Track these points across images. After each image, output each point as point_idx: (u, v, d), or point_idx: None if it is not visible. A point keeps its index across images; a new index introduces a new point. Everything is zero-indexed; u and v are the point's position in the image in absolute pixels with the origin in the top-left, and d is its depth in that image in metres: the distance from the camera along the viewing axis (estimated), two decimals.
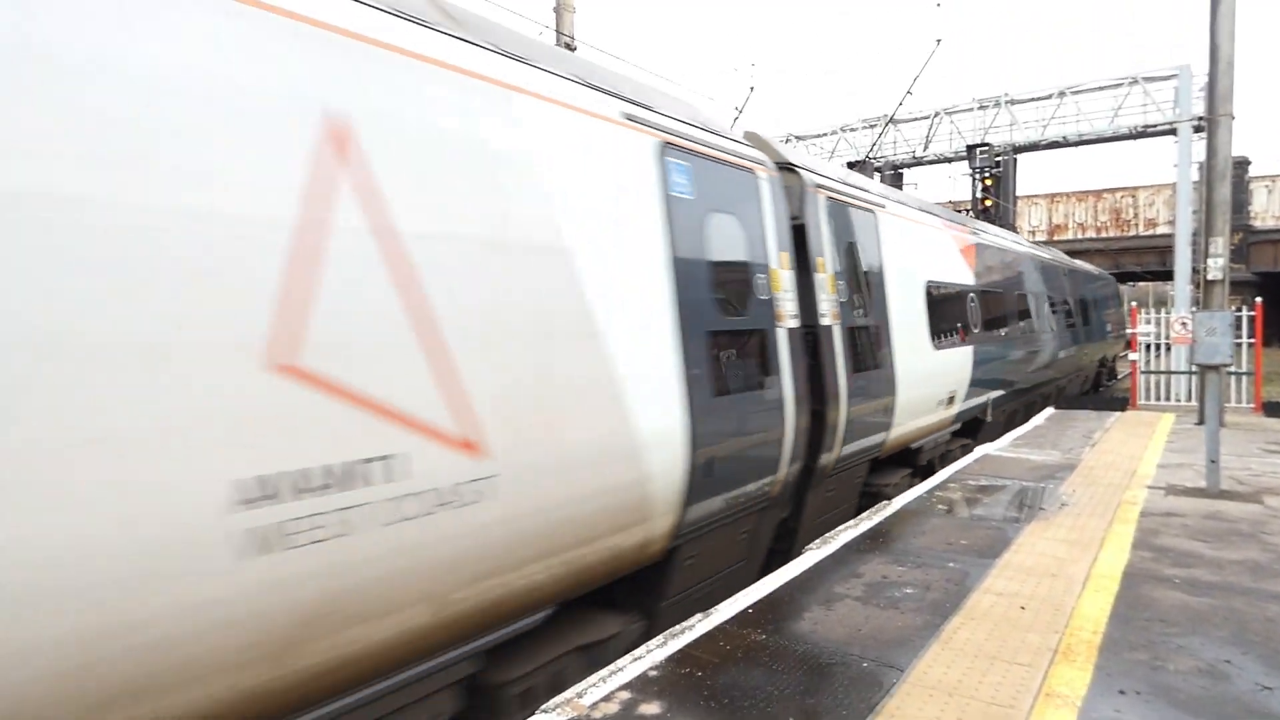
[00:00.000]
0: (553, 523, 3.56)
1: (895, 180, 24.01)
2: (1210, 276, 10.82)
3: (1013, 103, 23.77)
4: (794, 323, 5.71)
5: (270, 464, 2.49)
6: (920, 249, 8.77)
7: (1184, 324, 12.48)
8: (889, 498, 7.11)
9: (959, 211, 14.47)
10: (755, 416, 5.13)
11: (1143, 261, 40.78)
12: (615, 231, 4.11)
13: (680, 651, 3.70)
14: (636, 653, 3.72)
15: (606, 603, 4.44)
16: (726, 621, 4.04)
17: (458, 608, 3.18)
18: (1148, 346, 13.91)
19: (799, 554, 5.23)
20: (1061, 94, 23.15)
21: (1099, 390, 22.18)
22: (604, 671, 3.52)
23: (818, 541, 5.44)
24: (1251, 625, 3.88)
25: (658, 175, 4.50)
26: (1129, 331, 13.92)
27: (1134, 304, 14.89)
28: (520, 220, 3.54)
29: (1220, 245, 10.75)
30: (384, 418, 2.84)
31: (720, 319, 4.88)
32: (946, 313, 9.13)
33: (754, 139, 6.48)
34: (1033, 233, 41.71)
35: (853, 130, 26.27)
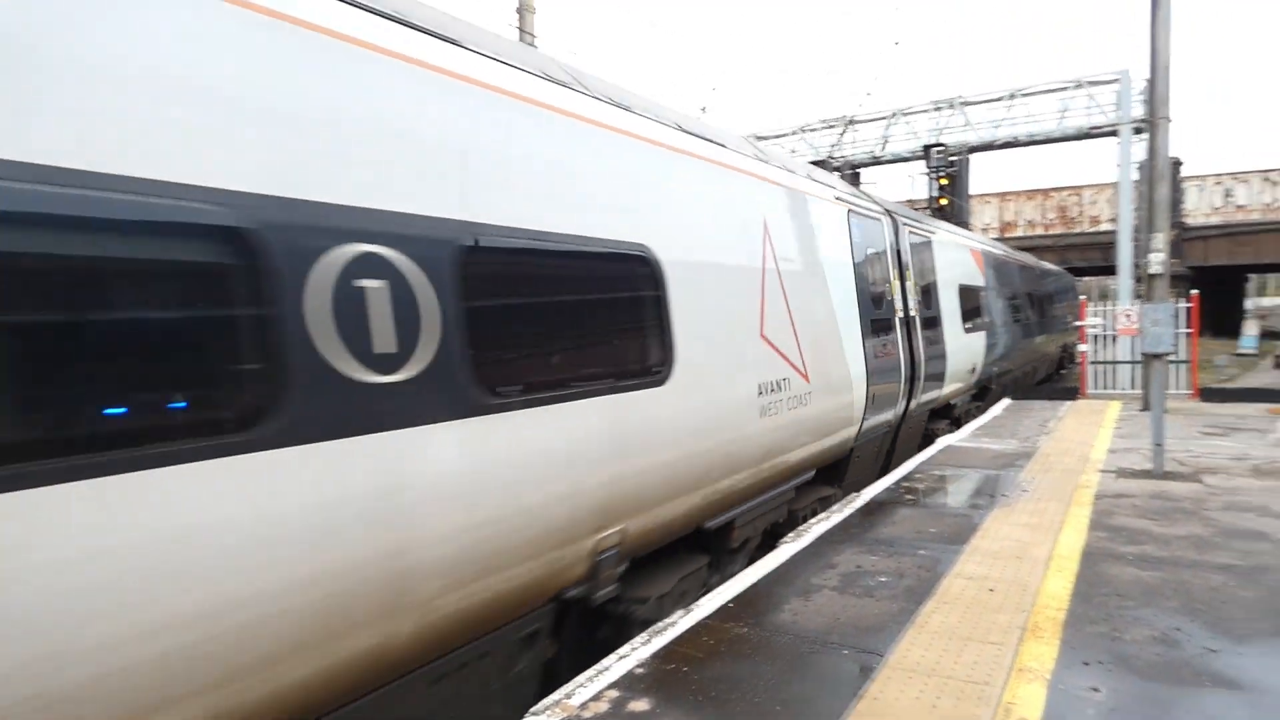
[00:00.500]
0: (828, 417, 6.70)
1: (853, 179, 24.49)
2: (1152, 271, 11.32)
3: (966, 104, 24.44)
4: (902, 314, 8.94)
5: (764, 377, 5.58)
6: (954, 260, 11.75)
7: (1128, 316, 13.03)
8: (938, 436, 10.28)
9: (917, 210, 15.35)
10: (890, 372, 8.23)
11: (1087, 257, 42.22)
12: (838, 261, 7.33)
13: (665, 648, 3.80)
14: (622, 651, 3.80)
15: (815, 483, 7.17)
16: (709, 616, 4.16)
17: (801, 454, 6.34)
18: (1095, 338, 14.45)
19: (893, 468, 8.13)
20: (1012, 96, 23.89)
21: (1062, 371, 23.28)
22: (591, 671, 3.60)
23: (792, 535, 5.61)
24: (1197, 595, 4.14)
25: (848, 228, 7.74)
26: (1078, 324, 14.46)
27: (1082, 298, 15.49)
28: (812, 259, 6.77)
29: (1161, 241, 11.25)
30: (785, 361, 5.94)
31: (875, 312, 8.00)
32: (969, 306, 11.98)
33: (870, 196, 9.74)
34: (985, 230, 42.84)
35: (812, 130, 26.73)
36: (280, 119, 2.70)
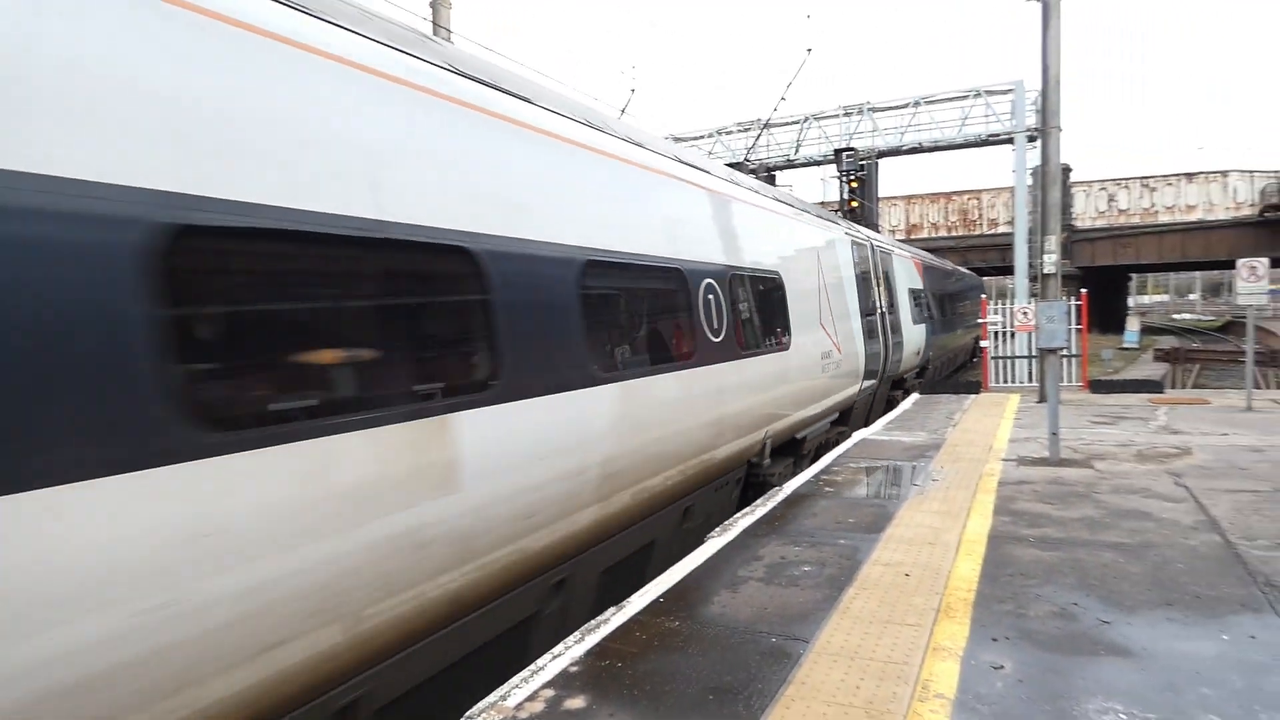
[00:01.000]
0: (846, 378, 10.27)
1: (769, 181, 25.09)
2: (1046, 271, 12.08)
3: (875, 110, 25.40)
4: (878, 311, 12.67)
5: (823, 349, 9.24)
6: (906, 270, 16.13)
7: (1025, 313, 13.85)
8: (900, 400, 13.49)
9: (833, 212, 16.51)
10: (875, 352, 11.89)
11: (987, 258, 44.55)
12: (847, 275, 11.07)
13: (599, 645, 3.83)
14: (555, 650, 3.81)
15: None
16: (640, 612, 4.21)
17: (836, 399, 9.93)
18: (996, 334, 15.29)
19: (873, 421, 11.34)
20: (917, 103, 24.97)
21: (974, 359, 24.89)
22: (525, 672, 3.59)
23: (718, 529, 5.73)
24: (1091, 571, 4.48)
25: (851, 253, 11.58)
26: (980, 321, 15.27)
27: (983, 297, 16.39)
28: (836, 275, 10.51)
29: (1054, 243, 12.03)
30: (830, 340, 9.60)
31: (865, 308, 11.72)
32: (916, 305, 16.39)
33: (856, 226, 13.88)
34: (893, 231, 44.59)
35: (729, 133, 27.22)
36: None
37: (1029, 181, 22.68)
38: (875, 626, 3.87)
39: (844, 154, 23.61)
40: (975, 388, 14.43)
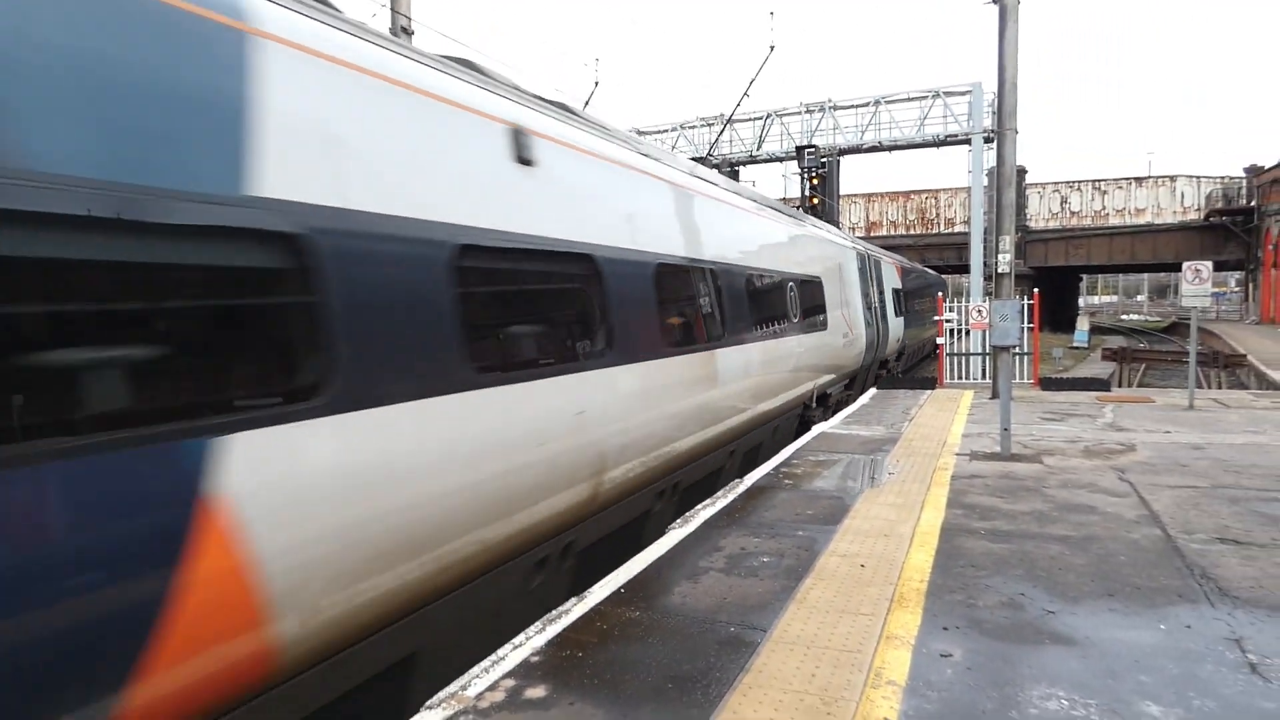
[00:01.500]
0: (855, 352, 14.46)
1: (732, 177, 25.23)
2: (1000, 270, 12.37)
3: (836, 108, 25.71)
4: (871, 305, 16.16)
5: (843, 328, 13.41)
6: (890, 273, 19.85)
7: (980, 311, 14.18)
8: (883, 377, 17.01)
9: (795, 208, 16.97)
10: (871, 336, 15.76)
11: (944, 256, 45.48)
12: (854, 278, 15.17)
13: (560, 635, 3.84)
14: (516, 640, 3.82)
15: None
16: (601, 602, 4.24)
17: (847, 369, 13.87)
18: (951, 331, 15.64)
19: (865, 391, 14.09)
20: (877, 102, 25.33)
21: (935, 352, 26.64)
22: (486, 662, 3.59)
23: (679, 520, 5.78)
24: (1039, 563, 4.63)
25: (855, 260, 15.58)
26: (936, 318, 15.62)
27: (939, 294, 16.77)
28: (850, 277, 14.84)
29: (1008, 243, 12.32)
30: (846, 323, 13.70)
31: (865, 304, 15.74)
32: (896, 301, 19.77)
33: (857, 239, 18.17)
34: (853, 229, 45.19)
35: (692, 128, 27.30)
36: None
37: (985, 182, 23.20)
38: (831, 616, 3.95)
39: (806, 151, 23.86)
40: (931, 383, 14.75)
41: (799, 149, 24.56)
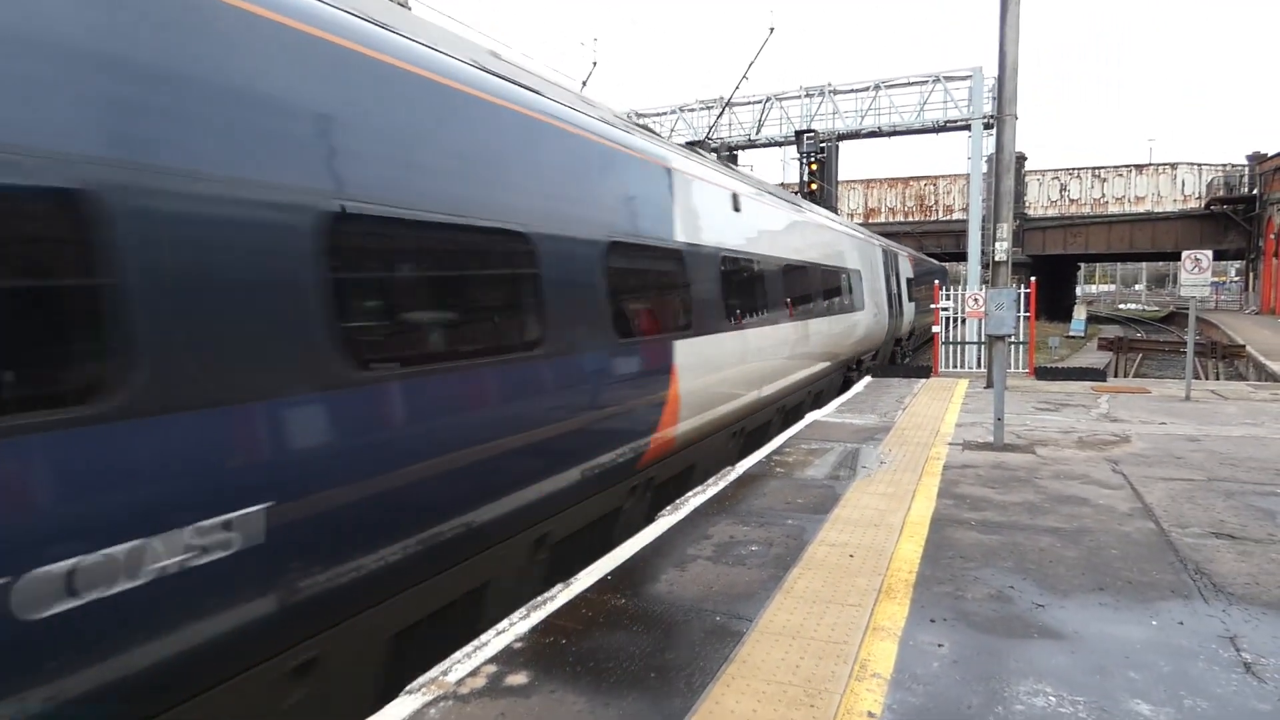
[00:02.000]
0: (882, 330, 18.29)
1: (731, 159, 25.04)
2: (997, 258, 12.29)
3: (835, 93, 25.48)
4: (892, 293, 19.74)
5: (874, 313, 17.02)
6: (905, 265, 22.61)
7: (976, 300, 14.11)
8: (897, 358, 20.77)
9: (794, 193, 17.14)
10: (892, 318, 19.57)
11: (942, 244, 45.33)
12: (880, 270, 18.67)
13: (544, 621, 3.80)
14: (500, 626, 3.77)
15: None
16: (588, 589, 4.19)
17: (876, 341, 17.64)
18: (947, 320, 15.57)
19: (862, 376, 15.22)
20: (877, 87, 25.11)
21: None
22: (468, 648, 3.55)
23: (669, 508, 5.73)
24: (1029, 556, 4.58)
25: (882, 255, 19.33)
26: (933, 306, 15.54)
27: (936, 282, 16.70)
28: (879, 269, 18.54)
29: (1006, 231, 12.23)
30: (874, 307, 17.14)
31: (887, 291, 19.12)
32: (908, 289, 22.49)
33: (882, 239, 22.07)
34: (851, 215, 45.01)
35: (691, 110, 27.06)
36: None
37: (984, 169, 23.06)
38: (818, 606, 3.91)
39: (805, 135, 23.67)
40: (926, 372, 14.71)
41: (798, 133, 24.35)
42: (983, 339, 14.64)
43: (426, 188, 3.94)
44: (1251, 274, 42.75)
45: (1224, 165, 42.19)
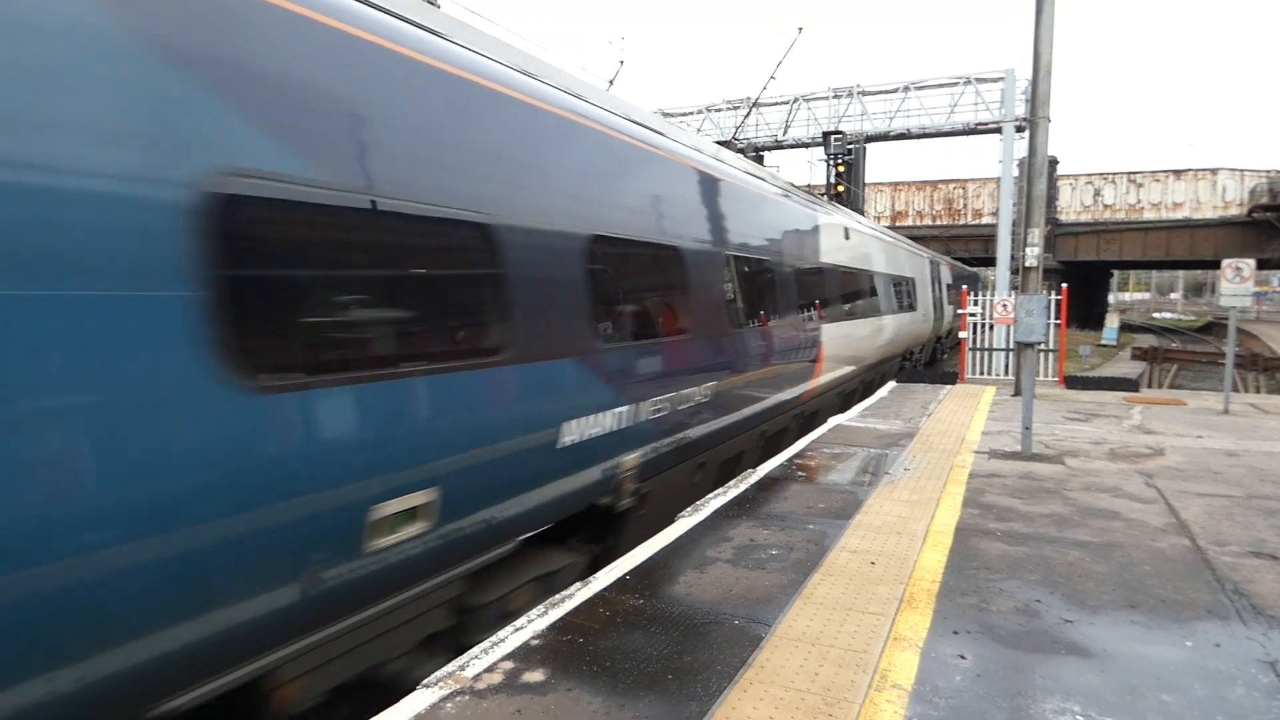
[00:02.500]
0: (930, 328, 21.98)
1: (757, 160, 24.89)
2: (1028, 264, 12.07)
3: (864, 94, 25.22)
4: (935, 297, 22.85)
5: (923, 313, 20.34)
6: (945, 272, 25.86)
7: (1005, 306, 13.88)
8: (939, 355, 26.27)
9: (820, 196, 16.97)
10: (936, 319, 23.00)
11: (970, 248, 44.71)
12: (929, 278, 22.08)
13: (562, 620, 3.79)
14: (518, 623, 3.77)
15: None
16: (606, 589, 4.17)
17: (923, 340, 21.43)
18: (975, 326, 15.33)
19: (931, 360, 23.91)
20: (906, 88, 24.82)
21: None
22: (486, 644, 3.55)
23: (689, 509, 5.69)
24: (1057, 569, 4.48)
25: (929, 265, 22.34)
26: (959, 312, 15.32)
27: (964, 287, 16.47)
28: (929, 279, 22.11)
29: (1037, 235, 12.01)
30: (923, 309, 20.44)
31: (933, 296, 22.24)
32: (947, 293, 25.07)
33: (928, 250, 25.05)
34: (878, 218, 44.58)
35: (718, 110, 26.94)
36: None
37: (1015, 172, 22.70)
38: (838, 613, 3.84)
39: (832, 137, 23.46)
40: (951, 378, 14.50)
41: (825, 135, 24.12)
42: (1011, 346, 14.41)
43: (754, 239, 8.26)
44: None
45: (1268, 171, 41.08)
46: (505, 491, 4.09)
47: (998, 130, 23.24)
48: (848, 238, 12.36)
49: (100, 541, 2.36)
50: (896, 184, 48.13)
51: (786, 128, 26.09)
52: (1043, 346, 12.55)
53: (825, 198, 20.32)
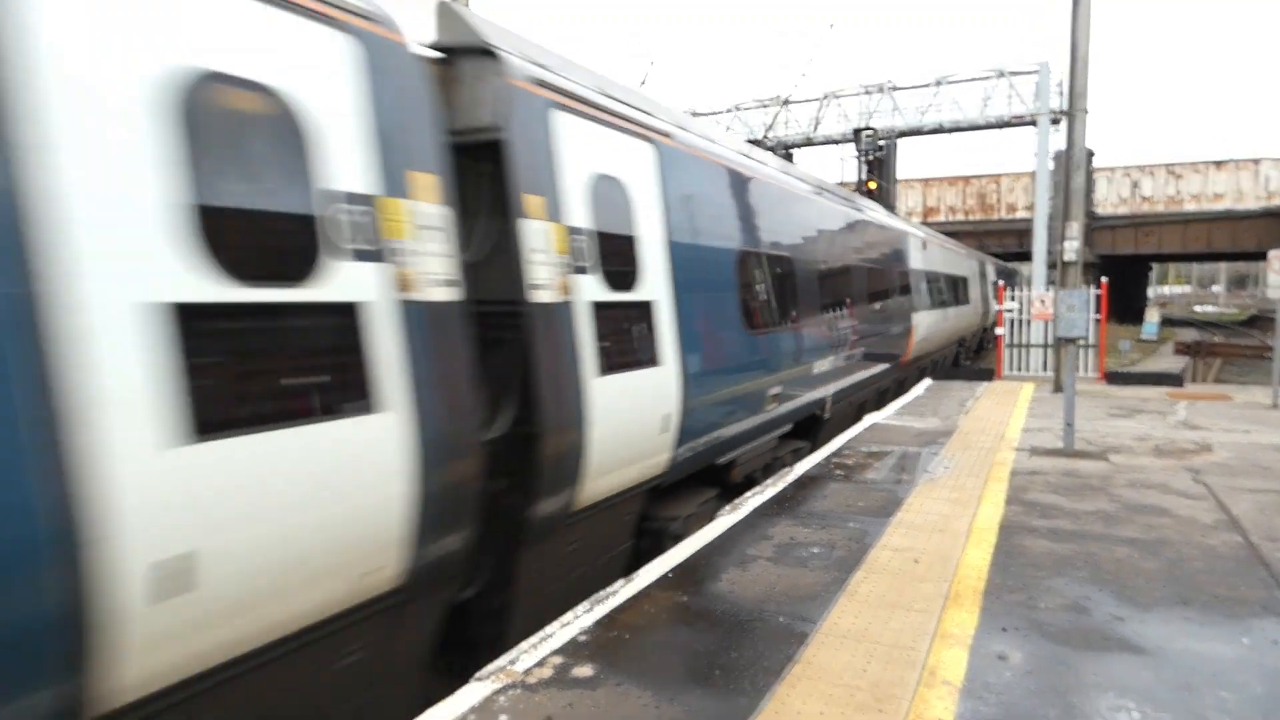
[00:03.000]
0: (976, 322, 24.12)
1: (786, 158, 24.77)
2: (1067, 258, 11.88)
3: (895, 89, 24.98)
4: (983, 292, 25.58)
5: (973, 306, 22.58)
6: (990, 269, 28.75)
7: (1043, 301, 13.67)
8: (985, 345, 27.16)
9: (852, 191, 17.08)
10: (983, 312, 25.32)
11: (1004, 243, 43.96)
12: (976, 277, 24.03)
13: (607, 615, 3.83)
14: (565, 619, 3.82)
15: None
16: (650, 586, 4.21)
17: (971, 332, 24.23)
18: (1011, 322, 15.11)
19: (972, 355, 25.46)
20: (938, 83, 24.53)
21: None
22: (534, 639, 3.61)
23: (728, 507, 5.71)
24: (1105, 566, 4.42)
25: (979, 264, 25.25)
26: (996, 308, 15.11)
27: (1000, 283, 16.23)
28: (976, 274, 23.98)
29: (1075, 229, 11.81)
30: (975, 303, 22.87)
31: (981, 292, 24.77)
32: (993, 289, 25.51)
33: (976, 251, 28.88)
34: (909, 213, 44.05)
35: (747, 109, 26.85)
36: None
37: (1050, 166, 22.31)
38: (883, 610, 3.84)
39: (863, 133, 23.27)
40: (988, 375, 14.31)
41: (856, 131, 23.95)
42: (1049, 342, 14.18)
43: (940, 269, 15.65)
44: None
45: None
46: (806, 392, 7.97)
47: (1032, 124, 22.87)
48: (925, 249, 15.80)
49: None
50: (928, 179, 47.48)
51: (816, 124, 25.92)
52: (1083, 342, 12.33)
53: (856, 192, 20.23)
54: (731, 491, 6.50)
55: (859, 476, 6.59)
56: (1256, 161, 40.99)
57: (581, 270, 4.42)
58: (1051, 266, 20.56)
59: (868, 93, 25.36)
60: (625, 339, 4.78)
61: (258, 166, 2.66)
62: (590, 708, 2.98)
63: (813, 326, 7.96)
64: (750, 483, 6.84)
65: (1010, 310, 15.07)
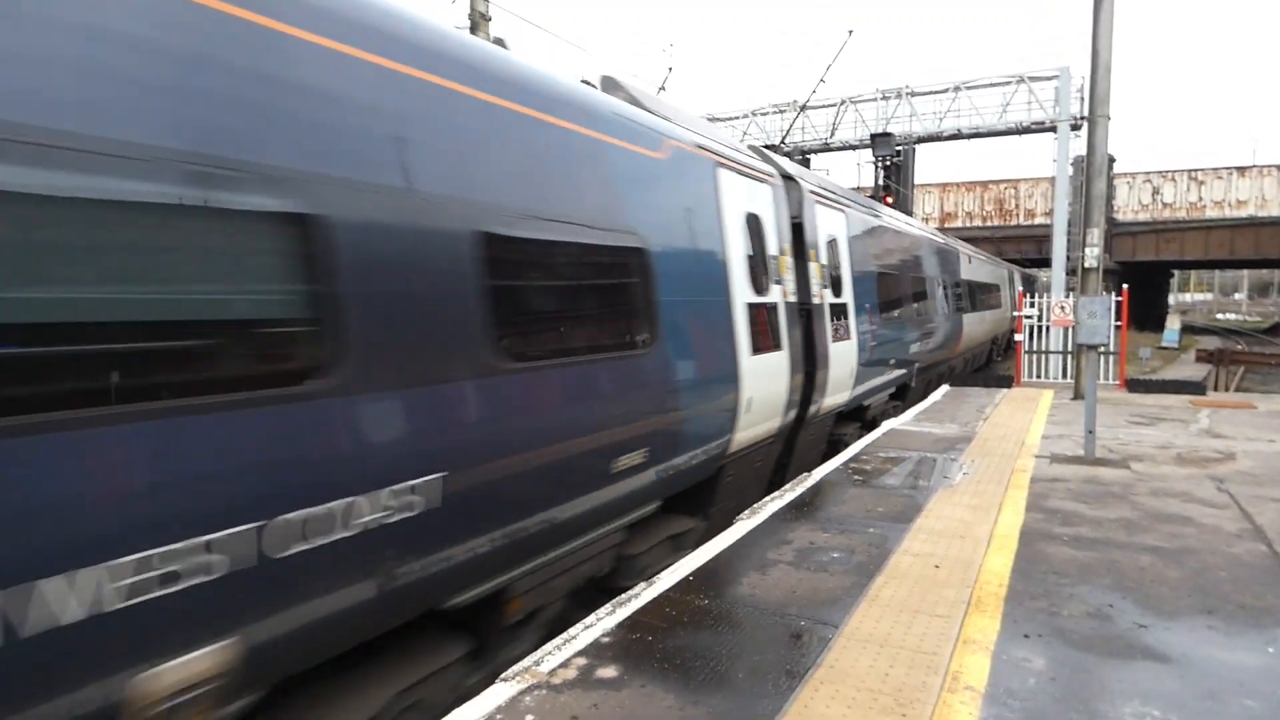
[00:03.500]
0: (1007, 323, 26.28)
1: (804, 164, 24.76)
2: (1087, 264, 11.80)
3: (913, 95, 24.89)
4: (1008, 295, 28.09)
5: (1001, 308, 25.79)
6: (1019, 277, 33.32)
7: (1063, 308, 13.58)
8: (1013, 345, 20.30)
9: (869, 197, 17.06)
10: (1009, 318, 26.57)
11: (1022, 249, 43.65)
12: (1007, 282, 28.56)
13: (630, 618, 3.87)
14: (587, 621, 3.86)
15: None
16: (670, 589, 4.24)
17: (1000, 334, 26.44)
18: (1031, 328, 15.02)
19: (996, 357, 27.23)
20: (957, 89, 24.43)
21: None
22: (558, 640, 3.65)
23: (747, 512, 5.74)
24: (1128, 574, 4.41)
25: (1008, 273, 29.81)
26: (1014, 314, 15.05)
27: (1020, 290, 16.17)
28: (1003, 281, 27.19)
29: (1096, 236, 11.74)
30: (1002, 305, 25.41)
31: (1005, 295, 26.92)
32: (1014, 295, 28.25)
33: (1005, 260, 34.18)
34: (926, 219, 43.83)
35: (763, 114, 26.86)
36: None
37: (1069, 171, 22.16)
38: (905, 616, 3.86)
39: (880, 139, 23.20)
40: (1007, 382, 14.23)
41: (874, 136, 23.89)
42: (1069, 348, 14.07)
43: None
44: None
45: None
46: (905, 366, 11.82)
47: (1051, 130, 22.71)
48: (970, 263, 19.35)
49: None
50: (945, 185, 47.24)
51: (834, 130, 25.89)
52: (1104, 349, 12.24)
53: (873, 198, 20.23)
54: (866, 426, 10.21)
55: (877, 482, 6.59)
56: None
57: (825, 287, 8.25)
58: (1070, 273, 20.41)
59: (885, 98, 25.29)
60: (838, 324, 8.65)
61: (758, 244, 6.63)
62: (615, 709, 3.02)
63: (911, 322, 12.03)
64: (874, 424, 10.34)
65: (1030, 317, 14.97)
